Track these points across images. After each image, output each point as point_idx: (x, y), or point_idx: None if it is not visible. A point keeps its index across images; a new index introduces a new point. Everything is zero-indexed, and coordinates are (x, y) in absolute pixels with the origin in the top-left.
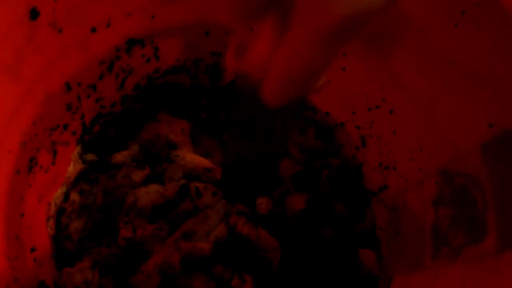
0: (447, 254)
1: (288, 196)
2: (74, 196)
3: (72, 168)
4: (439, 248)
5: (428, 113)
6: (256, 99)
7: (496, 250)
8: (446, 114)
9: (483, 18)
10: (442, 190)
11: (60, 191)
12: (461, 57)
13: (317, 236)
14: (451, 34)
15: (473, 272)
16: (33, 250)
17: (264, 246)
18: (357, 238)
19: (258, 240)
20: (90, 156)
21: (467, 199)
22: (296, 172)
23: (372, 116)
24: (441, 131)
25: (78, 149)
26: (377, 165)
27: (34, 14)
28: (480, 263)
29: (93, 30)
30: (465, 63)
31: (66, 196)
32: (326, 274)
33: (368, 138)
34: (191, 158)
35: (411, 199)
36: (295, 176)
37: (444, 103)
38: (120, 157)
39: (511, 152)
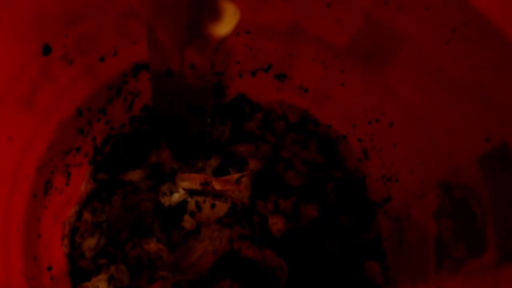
0: (450, 266)
1: (301, 204)
2: (87, 216)
3: (84, 188)
4: (443, 260)
5: (426, 126)
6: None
7: (495, 263)
8: (442, 127)
9: (473, 35)
10: (443, 202)
11: (73, 210)
12: (453, 73)
13: (324, 248)
14: (443, 50)
15: (473, 286)
16: (49, 269)
17: (270, 266)
18: (362, 250)
19: (264, 260)
20: (101, 176)
21: (467, 212)
22: (301, 185)
23: (372, 129)
24: (439, 144)
25: (90, 169)
26: (380, 177)
27: (46, 50)
28: (480, 276)
29: (101, 59)
30: (457, 78)
31: (79, 215)
32: (333, 286)
33: (370, 151)
34: (188, 177)
35: (414, 211)
36: (301, 188)
37: (440, 116)
38: (134, 175)
39: (507, 165)
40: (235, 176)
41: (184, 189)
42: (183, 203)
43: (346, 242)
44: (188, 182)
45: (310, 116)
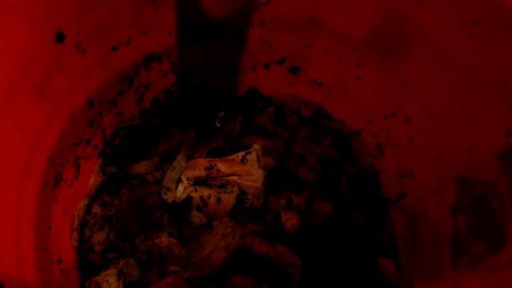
0: (467, 263)
1: (315, 200)
2: (96, 209)
3: (93, 181)
4: (459, 257)
5: (444, 121)
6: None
7: None
8: (461, 122)
9: (496, 27)
10: (460, 198)
11: (82, 204)
12: (474, 66)
13: (337, 245)
14: (465, 43)
15: (492, 282)
16: (60, 261)
17: (283, 262)
18: (376, 247)
19: (277, 256)
20: (110, 169)
21: (486, 208)
22: (314, 181)
23: (388, 124)
24: (458, 139)
25: (99, 161)
26: (394, 173)
27: (60, 37)
28: (499, 272)
29: (114, 49)
30: (478, 72)
31: (88, 209)
32: (346, 284)
33: (385, 146)
34: (192, 163)
35: (429, 207)
36: (314, 184)
37: (459, 111)
38: (140, 167)
39: None
40: (240, 154)
41: (188, 179)
42: (187, 200)
43: (360, 239)
44: (192, 169)
45: (323, 110)
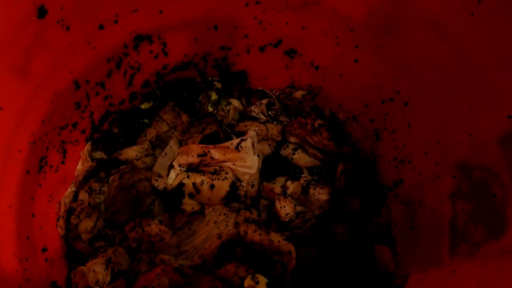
0: (465, 250)
1: (311, 187)
2: (83, 196)
3: (81, 167)
4: (457, 244)
5: (444, 105)
6: None
7: None
8: (461, 106)
9: (501, 6)
10: (460, 184)
11: (69, 190)
12: (476, 46)
13: (332, 233)
14: (466, 23)
15: (492, 269)
16: (44, 250)
17: (277, 251)
18: (372, 234)
19: (271, 245)
20: (98, 154)
21: (486, 193)
22: (311, 167)
23: (386, 109)
24: (457, 123)
25: (87, 146)
26: (391, 159)
27: (42, 12)
28: (500, 259)
29: (101, 27)
30: (480, 52)
31: (75, 196)
32: (342, 272)
33: (382, 132)
34: (185, 149)
35: (427, 193)
36: (310, 170)
37: (460, 94)
38: (130, 153)
39: None
40: (235, 141)
41: (180, 165)
42: (179, 187)
43: (356, 226)
44: (184, 156)
45: (319, 96)
